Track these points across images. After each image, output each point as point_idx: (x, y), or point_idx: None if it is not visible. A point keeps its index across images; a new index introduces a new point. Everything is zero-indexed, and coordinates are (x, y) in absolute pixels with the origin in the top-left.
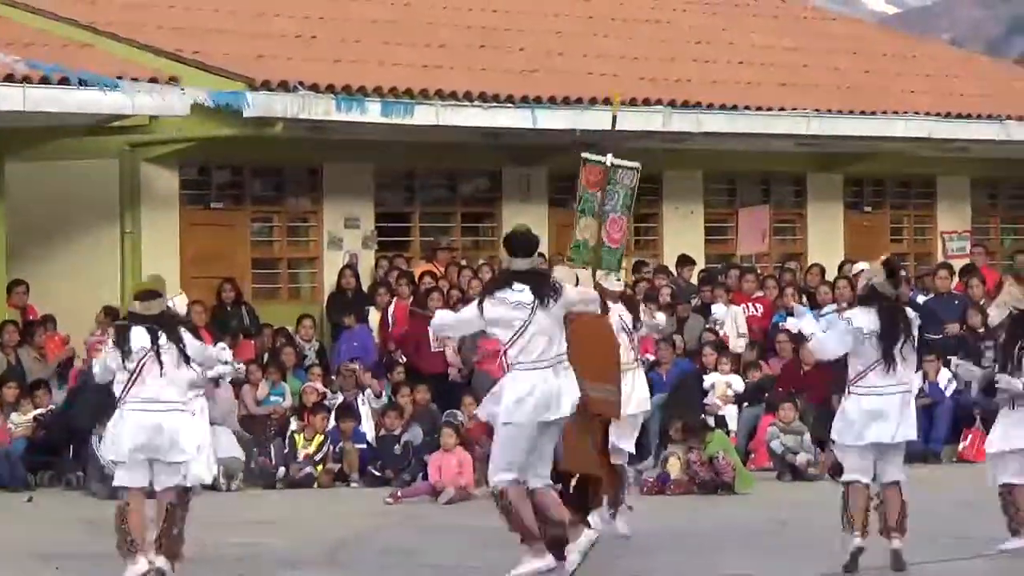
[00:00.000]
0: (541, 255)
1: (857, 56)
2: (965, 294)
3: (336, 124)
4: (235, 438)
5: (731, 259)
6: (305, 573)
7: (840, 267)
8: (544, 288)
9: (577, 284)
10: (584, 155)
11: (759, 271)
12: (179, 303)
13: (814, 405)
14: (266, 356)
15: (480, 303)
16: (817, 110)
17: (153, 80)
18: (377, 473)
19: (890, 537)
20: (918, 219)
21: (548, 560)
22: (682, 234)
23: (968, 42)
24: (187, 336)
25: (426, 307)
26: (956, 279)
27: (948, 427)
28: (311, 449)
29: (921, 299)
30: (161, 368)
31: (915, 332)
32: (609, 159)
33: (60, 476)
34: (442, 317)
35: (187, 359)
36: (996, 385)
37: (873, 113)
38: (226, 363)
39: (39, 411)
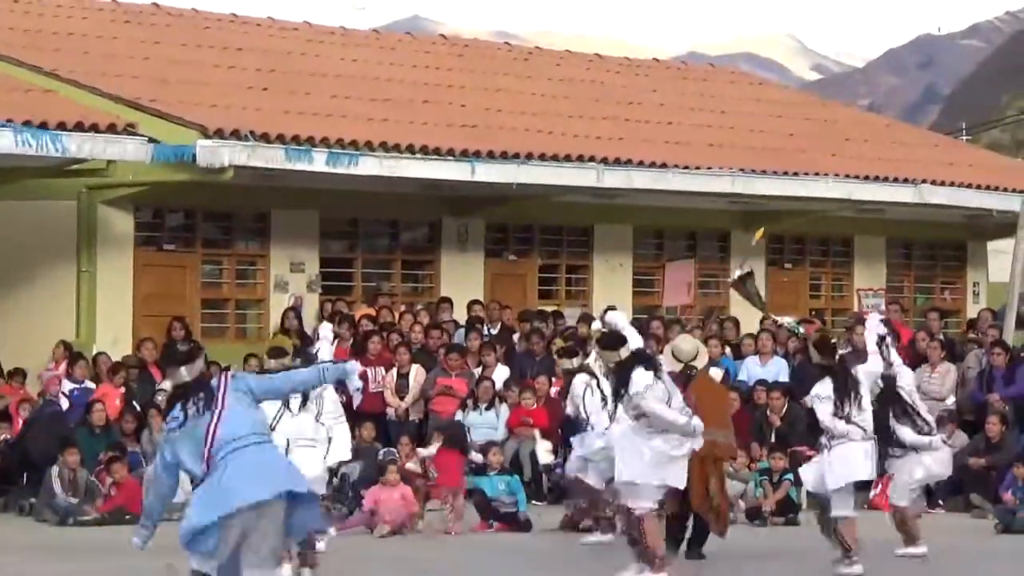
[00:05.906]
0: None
1: (781, 119)
2: None
3: (284, 172)
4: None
5: (657, 310)
6: None
7: (761, 320)
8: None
9: (698, 354)
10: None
11: (683, 322)
12: (324, 330)
13: None
14: None
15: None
16: (742, 170)
17: (112, 126)
18: None
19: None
20: (836, 276)
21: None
22: (611, 285)
23: (885, 108)
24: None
25: (366, 351)
26: None
27: None
28: None
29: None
30: (290, 412)
31: (862, 392)
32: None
33: (14, 502)
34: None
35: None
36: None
37: (795, 174)
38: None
39: None
